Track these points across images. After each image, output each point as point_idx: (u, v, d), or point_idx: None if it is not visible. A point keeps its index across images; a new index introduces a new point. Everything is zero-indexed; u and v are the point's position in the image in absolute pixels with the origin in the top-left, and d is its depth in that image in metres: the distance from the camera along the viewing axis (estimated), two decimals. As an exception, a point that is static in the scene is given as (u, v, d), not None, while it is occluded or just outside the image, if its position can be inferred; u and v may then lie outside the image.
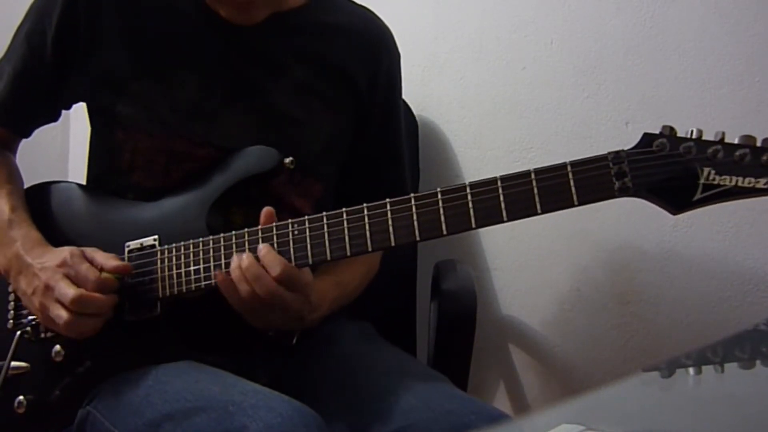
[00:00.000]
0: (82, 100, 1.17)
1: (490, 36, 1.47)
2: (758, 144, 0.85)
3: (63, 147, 2.15)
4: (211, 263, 1.02)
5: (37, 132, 1.23)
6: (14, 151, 1.23)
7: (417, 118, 1.51)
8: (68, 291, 0.99)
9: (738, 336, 0.96)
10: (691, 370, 0.82)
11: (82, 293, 0.99)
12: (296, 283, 0.98)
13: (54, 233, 1.10)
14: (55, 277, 1.01)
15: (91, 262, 1.02)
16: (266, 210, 1.01)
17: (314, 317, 1.07)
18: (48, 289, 1.01)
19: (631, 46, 1.30)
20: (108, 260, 1.03)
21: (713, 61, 1.22)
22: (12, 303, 1.11)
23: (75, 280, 1.00)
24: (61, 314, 1.00)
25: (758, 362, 0.85)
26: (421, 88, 1.56)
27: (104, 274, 1.01)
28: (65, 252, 1.03)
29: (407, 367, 1.09)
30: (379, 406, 0.99)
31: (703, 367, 0.82)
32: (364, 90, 1.20)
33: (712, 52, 1.22)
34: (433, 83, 1.56)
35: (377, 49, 1.22)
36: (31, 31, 1.15)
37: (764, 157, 0.84)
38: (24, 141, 1.25)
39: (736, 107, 1.19)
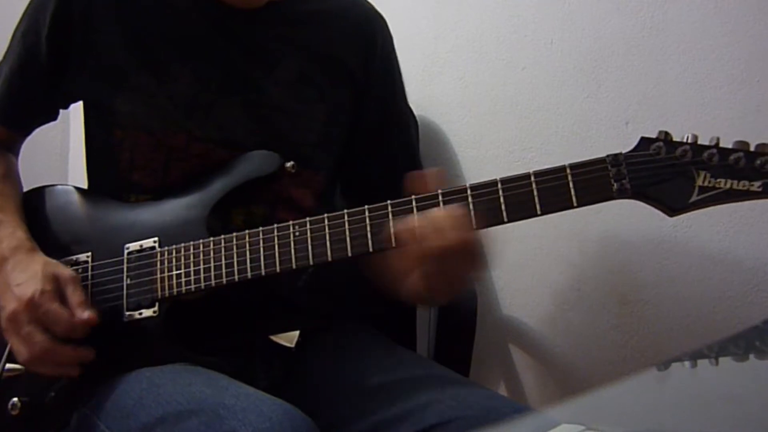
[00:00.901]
0: (80, 98, 1.17)
1: (490, 36, 1.47)
2: (752, 149, 0.87)
3: (63, 147, 2.15)
4: (212, 264, 1.02)
5: (37, 132, 1.23)
6: (16, 151, 1.23)
7: (417, 118, 1.51)
8: (33, 343, 0.98)
9: (736, 335, 0.96)
10: (687, 363, 0.82)
11: (46, 350, 0.98)
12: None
13: (54, 237, 1.10)
14: (21, 314, 0.99)
15: (62, 298, 1.01)
16: None
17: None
18: (13, 320, 1.00)
19: (631, 46, 1.30)
20: (79, 307, 1.01)
21: (713, 61, 1.22)
22: None
23: (43, 322, 0.99)
24: (23, 353, 1.00)
25: (752, 356, 0.85)
26: (421, 88, 1.56)
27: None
28: (37, 283, 1.00)
29: (431, 369, 1.08)
30: (407, 405, 0.98)
31: (699, 362, 0.83)
32: (359, 77, 1.19)
33: (712, 52, 1.22)
34: (433, 83, 1.56)
35: (371, 35, 1.22)
36: (26, 30, 1.14)
37: (758, 161, 0.86)
38: (24, 141, 1.24)
39: (735, 107, 1.19)
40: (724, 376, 0.78)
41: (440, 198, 0.94)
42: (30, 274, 1.02)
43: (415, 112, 1.50)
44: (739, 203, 1.19)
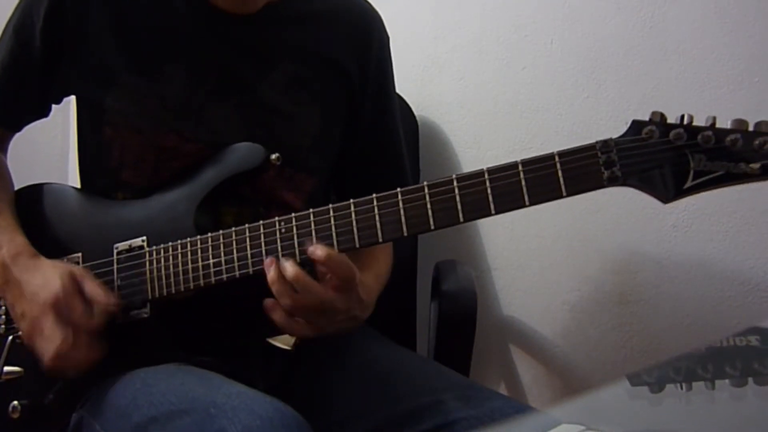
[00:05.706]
0: (72, 93, 1.16)
1: (490, 36, 1.47)
2: (750, 128, 0.82)
3: (63, 147, 2.15)
4: (200, 263, 1.01)
5: (37, 132, 1.22)
6: (5, 148, 1.22)
7: (417, 118, 1.51)
8: (57, 339, 0.98)
9: (729, 350, 0.93)
10: (682, 385, 0.80)
11: (69, 349, 0.98)
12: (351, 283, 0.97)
13: (44, 236, 1.10)
14: (47, 317, 0.99)
15: (81, 292, 1.01)
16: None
17: (366, 314, 1.06)
18: (37, 324, 1.00)
19: (631, 46, 1.30)
20: (97, 295, 1.01)
21: (713, 61, 1.22)
22: (3, 308, 1.10)
23: (67, 321, 0.99)
24: (48, 352, 0.99)
25: (750, 380, 0.82)
26: (421, 88, 1.56)
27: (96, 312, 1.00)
28: (57, 284, 1.00)
29: (433, 369, 1.08)
30: (410, 406, 0.98)
31: (694, 384, 0.80)
32: (355, 79, 1.18)
33: (712, 52, 1.22)
34: (433, 83, 1.56)
35: (368, 36, 1.21)
36: (19, 24, 1.14)
37: (756, 142, 0.81)
38: (24, 141, 1.24)
39: (735, 107, 1.19)
40: (720, 390, 0.76)
41: (426, 191, 0.93)
42: (44, 276, 1.02)
43: (415, 112, 1.50)
44: (740, 201, 1.20)
